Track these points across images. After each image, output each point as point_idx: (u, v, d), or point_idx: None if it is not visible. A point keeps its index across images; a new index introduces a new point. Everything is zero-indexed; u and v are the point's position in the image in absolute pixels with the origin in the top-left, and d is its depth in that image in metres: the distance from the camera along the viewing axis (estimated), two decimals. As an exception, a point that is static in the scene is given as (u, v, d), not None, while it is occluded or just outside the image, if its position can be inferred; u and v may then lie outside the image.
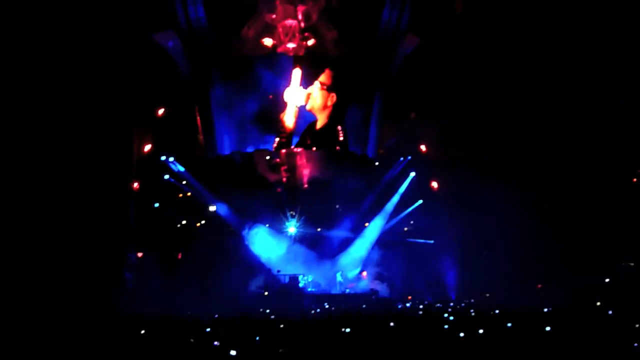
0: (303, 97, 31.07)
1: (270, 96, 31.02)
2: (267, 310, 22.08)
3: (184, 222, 28.95)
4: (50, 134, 23.16)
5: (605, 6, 25.15)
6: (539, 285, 26.09)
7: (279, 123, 31.21)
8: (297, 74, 30.87)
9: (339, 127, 31.36)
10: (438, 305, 24.34)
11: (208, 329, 13.46)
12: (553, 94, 27.02)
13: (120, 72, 25.58)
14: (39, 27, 22.93)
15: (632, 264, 27.05)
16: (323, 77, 31.09)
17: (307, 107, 31.35)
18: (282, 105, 31.03)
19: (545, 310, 18.57)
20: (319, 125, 31.64)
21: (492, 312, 18.14)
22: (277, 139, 31.37)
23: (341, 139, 31.36)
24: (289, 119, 31.28)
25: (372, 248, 29.04)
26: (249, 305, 23.19)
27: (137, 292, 25.40)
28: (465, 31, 27.49)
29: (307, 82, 31.19)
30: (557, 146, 26.87)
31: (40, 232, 22.48)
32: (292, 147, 31.32)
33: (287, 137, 31.38)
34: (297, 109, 31.18)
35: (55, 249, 22.56)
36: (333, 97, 31.18)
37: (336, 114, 31.38)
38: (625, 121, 25.44)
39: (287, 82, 30.89)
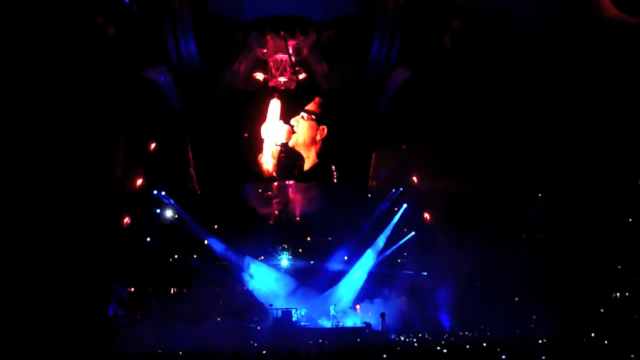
0: (284, 134, 29.23)
1: (245, 134, 29.37)
2: (256, 344, 21.95)
3: (176, 256, 28.75)
4: (42, 167, 23.12)
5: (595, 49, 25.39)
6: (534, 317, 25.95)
7: (256, 166, 29.33)
8: (275, 105, 29.14)
9: (333, 167, 29.62)
10: (432, 337, 24.18)
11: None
12: (545, 124, 27.25)
13: (112, 107, 25.73)
14: (30, 62, 23.07)
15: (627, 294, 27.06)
16: (311, 106, 29.49)
17: (290, 144, 29.22)
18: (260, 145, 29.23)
19: (540, 342, 18.50)
20: (307, 165, 29.57)
21: (486, 345, 18.02)
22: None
23: (335, 180, 29.63)
24: (267, 160, 29.35)
25: (366, 280, 28.89)
26: (241, 340, 22.97)
27: (129, 327, 25.21)
28: (455, 63, 27.79)
29: (288, 115, 29.34)
30: (551, 177, 27.04)
31: (26, 266, 22.31)
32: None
33: (266, 182, 29.55)
34: (277, 147, 29.27)
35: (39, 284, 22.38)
36: (323, 129, 29.49)
37: (327, 150, 29.65)
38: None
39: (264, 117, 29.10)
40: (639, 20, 23.74)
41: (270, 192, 30.09)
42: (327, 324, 27.15)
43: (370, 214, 29.97)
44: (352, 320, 27.43)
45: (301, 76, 30.43)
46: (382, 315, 25.82)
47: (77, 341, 20.91)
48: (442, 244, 27.25)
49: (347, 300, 28.43)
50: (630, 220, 25.99)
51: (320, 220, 28.84)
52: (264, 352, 17.57)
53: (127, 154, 27.57)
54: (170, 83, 28.43)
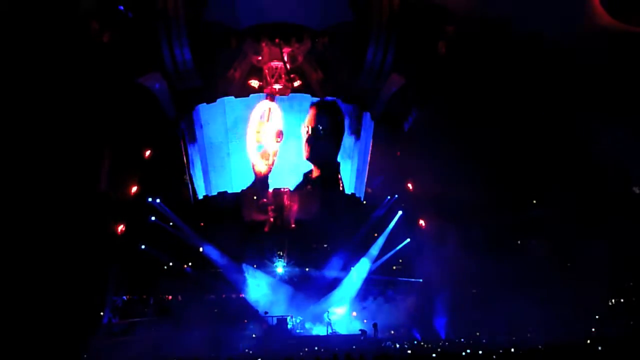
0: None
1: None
2: (251, 352, 21.88)
3: (171, 264, 28.67)
4: (33, 176, 23.08)
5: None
6: None
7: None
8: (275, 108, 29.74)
9: (339, 175, 30.01)
10: (427, 345, 24.12)
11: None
12: (540, 128, 27.33)
13: (106, 114, 25.67)
14: (24, 68, 23.04)
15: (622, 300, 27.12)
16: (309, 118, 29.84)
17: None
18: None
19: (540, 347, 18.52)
20: (315, 172, 29.99)
21: (481, 352, 18.00)
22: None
23: (341, 188, 29.94)
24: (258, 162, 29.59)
25: (361, 287, 28.84)
26: (236, 347, 22.93)
27: (124, 335, 25.14)
28: (450, 69, 27.85)
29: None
30: (547, 183, 27.08)
31: (20, 273, 22.25)
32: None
33: (259, 184, 29.57)
34: (275, 149, 29.48)
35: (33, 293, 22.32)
36: None
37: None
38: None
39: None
40: (630, 27, 23.90)
41: (265, 199, 30.01)
42: (322, 331, 27.05)
43: (366, 220, 29.97)
44: (347, 327, 27.35)
45: (296, 83, 30.42)
46: (375, 325, 25.80)
47: (72, 349, 20.86)
48: (437, 251, 27.18)
49: (343, 307, 28.38)
50: (626, 225, 26.00)
51: (316, 227, 28.81)
52: (259, 360, 17.56)
53: (116, 163, 27.45)
54: (164, 90, 28.39)
